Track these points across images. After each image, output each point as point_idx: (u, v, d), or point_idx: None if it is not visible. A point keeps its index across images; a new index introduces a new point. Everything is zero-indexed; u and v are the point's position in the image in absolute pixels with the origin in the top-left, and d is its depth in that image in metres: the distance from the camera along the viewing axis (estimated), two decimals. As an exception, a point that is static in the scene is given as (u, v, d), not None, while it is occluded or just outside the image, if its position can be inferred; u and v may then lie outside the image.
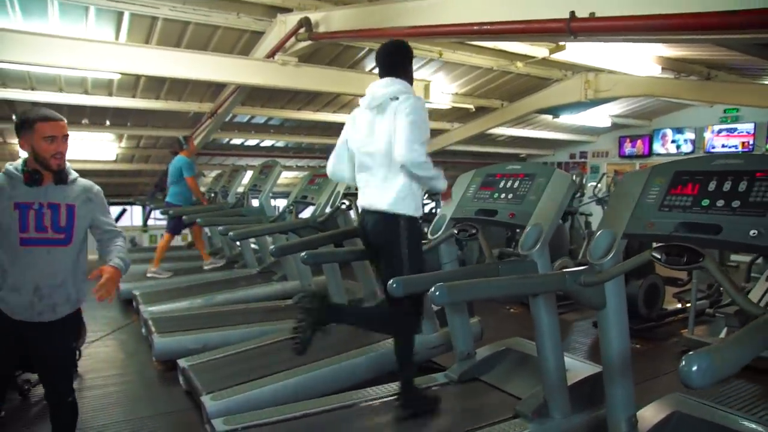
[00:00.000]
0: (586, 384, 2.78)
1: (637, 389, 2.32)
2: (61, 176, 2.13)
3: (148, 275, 6.05)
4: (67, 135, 2.16)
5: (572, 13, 2.40)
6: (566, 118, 9.47)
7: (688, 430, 2.38)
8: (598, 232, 2.20)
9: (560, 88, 7.64)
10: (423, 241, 2.97)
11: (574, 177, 8.14)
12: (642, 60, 6.03)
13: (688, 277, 5.28)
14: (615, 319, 2.20)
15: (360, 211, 2.89)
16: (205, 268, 6.44)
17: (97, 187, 2.28)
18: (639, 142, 11.08)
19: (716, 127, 9.88)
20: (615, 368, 2.23)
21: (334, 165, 2.96)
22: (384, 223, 2.69)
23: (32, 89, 6.52)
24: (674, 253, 1.83)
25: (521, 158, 12.96)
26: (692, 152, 10.19)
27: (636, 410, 2.32)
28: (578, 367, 2.92)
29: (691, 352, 1.18)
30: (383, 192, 2.67)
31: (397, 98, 2.61)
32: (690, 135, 10.29)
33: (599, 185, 8.11)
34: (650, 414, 2.41)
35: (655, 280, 4.87)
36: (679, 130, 10.45)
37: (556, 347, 2.57)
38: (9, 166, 2.13)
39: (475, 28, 2.95)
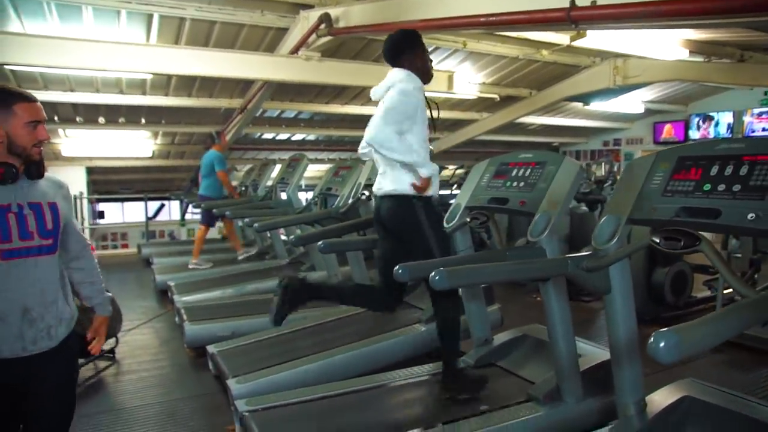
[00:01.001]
0: (600, 369, 2.79)
1: (657, 377, 2.32)
2: (39, 169, 1.73)
3: (190, 267, 6.29)
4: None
5: (572, 1, 2.42)
6: (598, 105, 9.33)
7: (698, 415, 2.38)
8: (604, 217, 2.23)
9: (589, 75, 7.55)
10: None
11: (604, 164, 8.09)
12: (669, 44, 5.90)
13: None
14: (621, 303, 2.23)
15: (374, 198, 2.99)
16: (239, 258, 6.65)
17: (66, 184, 1.90)
18: (669, 126, 10.80)
19: (756, 110, 9.56)
20: (622, 352, 2.26)
21: (362, 147, 2.99)
22: (398, 207, 2.80)
23: (72, 90, 6.83)
24: (672, 237, 1.85)
25: (554, 147, 12.82)
26: (730, 136, 9.88)
27: (645, 394, 2.34)
28: (592, 353, 2.94)
29: (661, 330, 1.24)
30: (389, 175, 2.80)
31: (394, 87, 2.73)
32: (728, 118, 9.98)
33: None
34: (660, 398, 2.42)
35: (682, 267, 4.80)
36: (713, 115, 10.14)
37: (568, 333, 2.60)
38: None
39: (482, 19, 2.99)
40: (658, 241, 1.89)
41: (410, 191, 2.75)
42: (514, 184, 2.88)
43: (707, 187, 1.96)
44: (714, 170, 1.97)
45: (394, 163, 2.75)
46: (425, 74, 2.85)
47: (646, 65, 6.71)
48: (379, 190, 2.89)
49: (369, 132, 2.67)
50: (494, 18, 2.89)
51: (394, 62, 2.84)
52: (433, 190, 2.82)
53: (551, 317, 2.60)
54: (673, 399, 2.40)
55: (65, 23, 5.16)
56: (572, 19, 2.42)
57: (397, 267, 2.11)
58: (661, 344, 1.21)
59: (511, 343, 3.33)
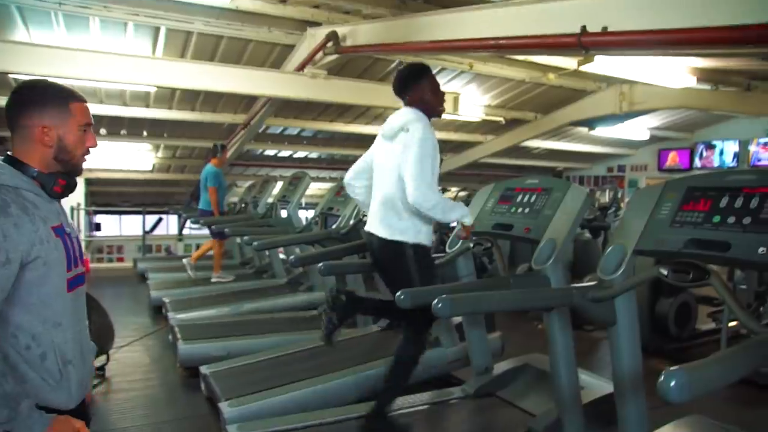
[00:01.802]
0: (603, 403, 2.75)
1: (663, 412, 2.28)
2: (74, 183, 1.47)
3: (213, 280, 6.23)
4: None
5: (583, 27, 2.43)
6: (603, 131, 9.37)
7: (705, 454, 2.34)
8: (609, 248, 2.20)
9: (594, 100, 7.60)
10: (439, 255, 3.02)
11: (608, 191, 8.08)
12: (676, 71, 5.94)
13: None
14: (626, 336, 2.19)
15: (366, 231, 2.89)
16: (213, 280, 6.36)
17: None
18: (674, 153, 10.83)
19: (762, 140, 9.59)
20: (626, 386, 2.21)
21: (349, 179, 3.01)
22: (388, 249, 2.71)
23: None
24: (680, 269, 1.83)
25: (558, 171, 12.85)
26: (736, 165, 9.89)
27: (650, 430, 2.30)
28: (595, 385, 2.90)
29: (671, 368, 1.21)
30: (385, 221, 2.70)
31: (407, 129, 2.62)
32: (733, 148, 10.00)
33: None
34: (665, 436, 2.37)
35: (687, 299, 4.76)
36: (719, 144, 10.17)
37: (570, 364, 2.56)
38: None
39: (491, 42, 3.00)
40: (666, 273, 1.87)
41: (410, 239, 2.65)
42: (519, 209, 2.86)
43: (717, 219, 1.94)
44: (724, 202, 1.95)
45: (398, 211, 2.65)
46: (430, 109, 2.74)
47: (652, 92, 6.75)
48: (375, 231, 2.75)
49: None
50: (504, 42, 2.89)
51: (401, 96, 2.77)
52: (428, 238, 2.71)
53: (554, 347, 2.55)
54: (679, 437, 2.35)
55: (72, 33, 5.21)
56: (583, 45, 2.43)
57: (399, 293, 2.08)
58: (672, 383, 1.19)
59: (512, 373, 3.28)
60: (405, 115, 2.71)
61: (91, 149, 1.50)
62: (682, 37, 2.07)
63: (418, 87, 2.74)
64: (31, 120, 1.38)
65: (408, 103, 2.75)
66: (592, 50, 2.52)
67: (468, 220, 2.68)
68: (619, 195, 8.14)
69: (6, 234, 1.23)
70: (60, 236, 1.38)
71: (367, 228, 2.85)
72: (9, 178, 1.31)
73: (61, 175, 1.41)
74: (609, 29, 2.35)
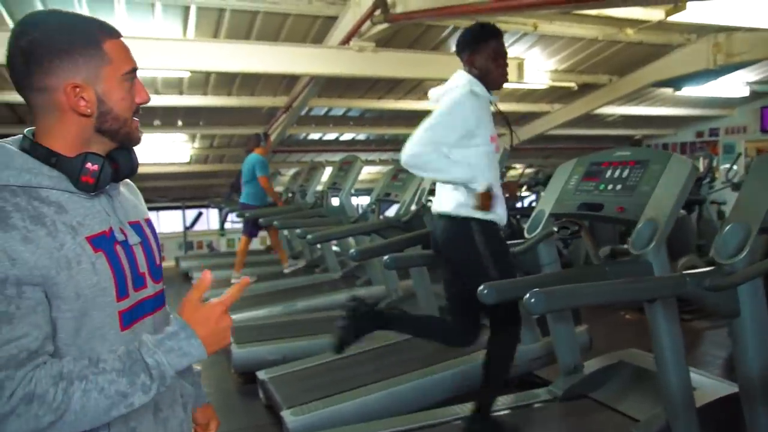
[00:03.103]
0: (721, 406, 2.62)
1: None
2: (134, 158, 1.14)
3: (233, 281, 6.36)
4: None
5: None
6: (690, 90, 8.91)
7: None
8: (728, 226, 2.07)
9: (682, 56, 7.20)
10: (517, 241, 2.94)
11: (702, 159, 7.73)
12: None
13: None
14: (753, 329, 2.06)
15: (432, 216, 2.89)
16: (285, 271, 6.69)
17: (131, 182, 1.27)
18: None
19: None
20: (755, 388, 2.09)
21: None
22: (453, 230, 2.67)
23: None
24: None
25: (636, 140, 12.36)
26: None
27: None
28: (709, 386, 2.77)
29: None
30: (449, 193, 2.68)
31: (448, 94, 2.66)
32: None
33: (735, 167, 7.56)
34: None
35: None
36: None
37: (680, 361, 2.44)
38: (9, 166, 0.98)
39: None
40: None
41: (467, 213, 2.61)
42: (610, 186, 2.73)
43: None
44: None
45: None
46: (488, 76, 2.69)
47: (756, 39, 6.31)
48: (438, 207, 2.78)
49: (403, 152, 2.59)
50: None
51: (460, 56, 2.76)
52: (500, 214, 2.66)
53: (659, 343, 2.44)
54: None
55: (95, 15, 5.31)
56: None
57: (482, 287, 2.02)
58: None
59: (606, 372, 3.18)
60: (453, 80, 2.71)
61: (142, 105, 1.11)
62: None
63: (478, 50, 2.68)
64: (50, 78, 0.99)
65: (465, 65, 2.73)
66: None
67: (477, 186, 2.57)
68: (714, 163, 7.76)
69: (13, 256, 0.90)
70: (103, 249, 1.02)
71: (432, 206, 2.85)
72: (16, 174, 0.97)
73: (94, 157, 1.03)
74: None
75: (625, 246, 6.01)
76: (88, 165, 1.02)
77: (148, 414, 1.10)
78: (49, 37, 1.00)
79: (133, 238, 1.11)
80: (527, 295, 1.73)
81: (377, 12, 4.70)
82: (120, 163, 1.10)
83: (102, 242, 1.03)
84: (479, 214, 2.60)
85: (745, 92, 9.41)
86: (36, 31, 0.99)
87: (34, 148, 1.02)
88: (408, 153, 2.57)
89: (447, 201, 2.69)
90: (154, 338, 1.01)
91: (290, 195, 7.82)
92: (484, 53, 2.68)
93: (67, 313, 0.97)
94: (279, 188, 9.04)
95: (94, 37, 1.04)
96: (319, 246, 6.57)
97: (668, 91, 9.01)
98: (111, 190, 1.10)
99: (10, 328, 0.90)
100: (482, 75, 2.69)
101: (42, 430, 0.90)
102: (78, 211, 1.01)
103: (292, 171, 10.45)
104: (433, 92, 2.80)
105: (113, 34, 1.08)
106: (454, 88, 2.66)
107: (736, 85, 9.08)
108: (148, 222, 1.20)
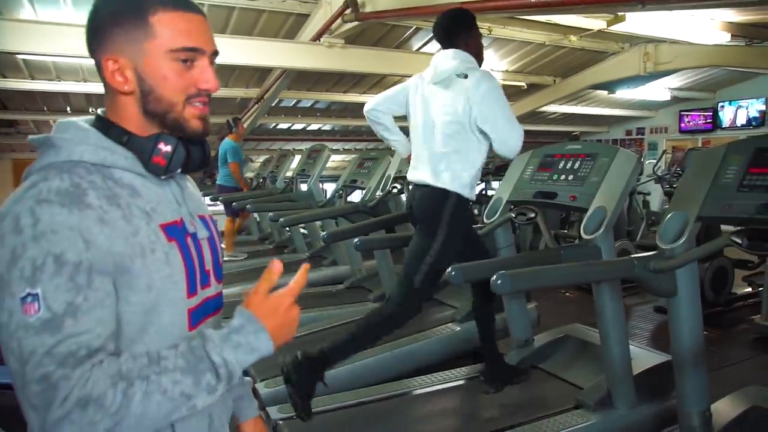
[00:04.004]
0: (653, 374, 2.68)
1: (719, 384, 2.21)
2: (206, 151, 0.97)
3: (225, 259, 6.15)
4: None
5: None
6: (622, 93, 9.12)
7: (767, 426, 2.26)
8: (669, 215, 2.09)
9: (617, 62, 7.35)
10: (476, 226, 2.92)
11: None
12: (707, 28, 5.69)
13: (760, 259, 5.01)
14: (688, 308, 2.10)
15: (410, 187, 2.77)
16: (225, 258, 6.32)
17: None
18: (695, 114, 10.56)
19: (790, 97, 9.31)
20: (687, 359, 2.13)
21: (378, 103, 2.77)
22: (432, 197, 2.54)
23: (84, 81, 6.73)
24: (757, 237, 1.72)
25: (574, 136, 12.57)
26: (761, 125, 9.63)
27: (709, 404, 2.22)
28: (643, 356, 2.82)
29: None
30: (437, 168, 2.52)
31: (466, 76, 2.44)
32: (759, 106, 9.72)
33: (659, 163, 7.78)
34: (725, 408, 2.30)
35: (723, 263, 4.66)
36: (743, 102, 9.88)
37: (622, 335, 2.48)
38: (83, 143, 0.85)
39: (533, 0, 2.82)
40: (740, 241, 1.76)
41: (458, 190, 2.51)
42: (562, 177, 2.75)
43: (793, 181, 1.82)
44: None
45: (450, 157, 2.50)
46: (479, 56, 2.59)
47: (680, 51, 6.50)
48: (421, 180, 2.58)
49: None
50: (553, -1, 2.69)
51: (451, 42, 2.56)
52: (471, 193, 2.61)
53: (604, 319, 2.47)
54: (741, 409, 2.28)
55: (79, 10, 5.04)
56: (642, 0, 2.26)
57: (450, 269, 1.99)
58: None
59: (553, 345, 3.21)
60: (457, 58, 2.52)
61: (206, 92, 0.90)
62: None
63: (473, 32, 2.58)
64: (96, 51, 0.87)
65: (461, 46, 2.56)
66: (649, 5, 2.35)
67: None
68: (642, 159, 7.96)
69: (88, 238, 0.76)
70: (177, 239, 0.88)
71: (410, 176, 2.68)
72: (92, 150, 0.83)
73: (168, 138, 0.89)
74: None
75: (566, 231, 6.11)
76: (161, 145, 0.87)
77: (203, 425, 0.92)
78: (100, 7, 0.86)
79: (202, 232, 0.96)
80: (494, 277, 1.71)
81: (348, 10, 4.60)
82: (191, 152, 0.92)
83: (175, 232, 0.88)
84: (466, 192, 2.55)
85: (667, 96, 9.71)
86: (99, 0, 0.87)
87: (107, 127, 0.88)
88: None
89: (433, 175, 2.53)
90: (218, 333, 0.84)
91: (261, 180, 7.66)
92: (476, 34, 2.61)
93: (136, 306, 0.81)
94: (250, 174, 8.86)
95: (139, 6, 0.85)
96: (287, 228, 6.46)
97: (604, 93, 9.19)
98: (180, 179, 0.96)
99: (74, 321, 0.73)
100: (476, 54, 2.59)
101: None
102: (151, 197, 0.87)
103: (262, 158, 10.24)
104: (438, 73, 2.53)
105: (170, 5, 0.86)
106: (471, 68, 2.48)
107: (660, 90, 9.35)
108: (212, 219, 1.05)
